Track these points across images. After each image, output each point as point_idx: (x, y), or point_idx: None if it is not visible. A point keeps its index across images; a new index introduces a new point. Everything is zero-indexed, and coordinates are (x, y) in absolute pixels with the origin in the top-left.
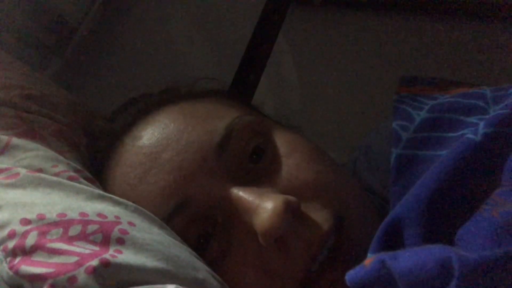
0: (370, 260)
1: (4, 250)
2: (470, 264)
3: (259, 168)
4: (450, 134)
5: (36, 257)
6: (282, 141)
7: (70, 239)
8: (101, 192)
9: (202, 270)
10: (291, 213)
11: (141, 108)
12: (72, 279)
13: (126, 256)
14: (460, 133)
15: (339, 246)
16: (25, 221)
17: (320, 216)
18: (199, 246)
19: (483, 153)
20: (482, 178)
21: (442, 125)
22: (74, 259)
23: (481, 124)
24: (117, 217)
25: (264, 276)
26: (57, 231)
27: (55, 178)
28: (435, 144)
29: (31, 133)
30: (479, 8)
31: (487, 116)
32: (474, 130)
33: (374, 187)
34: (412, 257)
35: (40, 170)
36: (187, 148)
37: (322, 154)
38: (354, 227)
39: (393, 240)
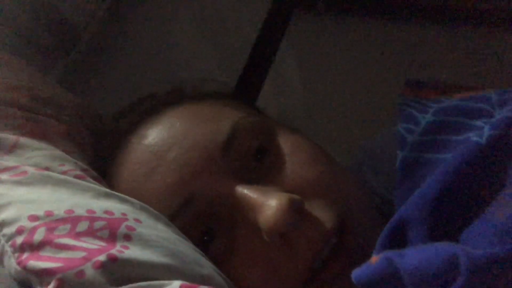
0: (376, 258)
1: (12, 245)
2: (477, 261)
3: (263, 167)
4: (456, 137)
5: (44, 253)
6: (285, 141)
7: (78, 235)
8: (108, 190)
9: (207, 267)
10: (296, 211)
11: (147, 108)
12: (80, 274)
13: (133, 252)
14: (465, 136)
15: (341, 245)
16: (33, 218)
17: (323, 214)
18: (203, 243)
19: (488, 155)
20: (488, 181)
21: (448, 128)
22: (81, 254)
23: (486, 127)
24: (124, 214)
25: (268, 272)
26: (64, 227)
27: (62, 176)
28: (441, 147)
29: (39, 133)
30: (482, 14)
31: (492, 119)
32: (480, 133)
33: (379, 190)
34: (418, 255)
35: (48, 169)
36: (193, 146)
37: (325, 154)
38: (356, 226)
39: (398, 241)
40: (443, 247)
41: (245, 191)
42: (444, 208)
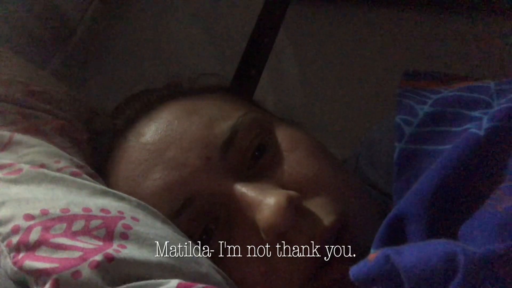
0: (374, 255)
1: (8, 245)
2: (475, 258)
3: (261, 164)
4: (454, 129)
5: (40, 252)
6: (283, 136)
7: (74, 234)
8: (104, 187)
9: (205, 265)
10: (293, 208)
11: (144, 104)
12: (76, 274)
13: (130, 251)
14: (464, 127)
15: (340, 242)
16: (29, 217)
17: (322, 211)
18: (201, 242)
19: (487, 147)
20: (486, 173)
21: (446, 120)
22: (78, 254)
23: (485, 118)
24: (120, 212)
25: (267, 270)
26: (60, 226)
27: (58, 174)
28: (439, 138)
29: (34, 129)
30: (483, 2)
31: (491, 110)
32: (478, 124)
33: (377, 183)
34: (416, 252)
35: (43, 166)
36: (192, 146)
37: (323, 150)
38: (355, 223)
39: (396, 236)
40: (441, 244)
41: (243, 189)
42: (442, 202)
